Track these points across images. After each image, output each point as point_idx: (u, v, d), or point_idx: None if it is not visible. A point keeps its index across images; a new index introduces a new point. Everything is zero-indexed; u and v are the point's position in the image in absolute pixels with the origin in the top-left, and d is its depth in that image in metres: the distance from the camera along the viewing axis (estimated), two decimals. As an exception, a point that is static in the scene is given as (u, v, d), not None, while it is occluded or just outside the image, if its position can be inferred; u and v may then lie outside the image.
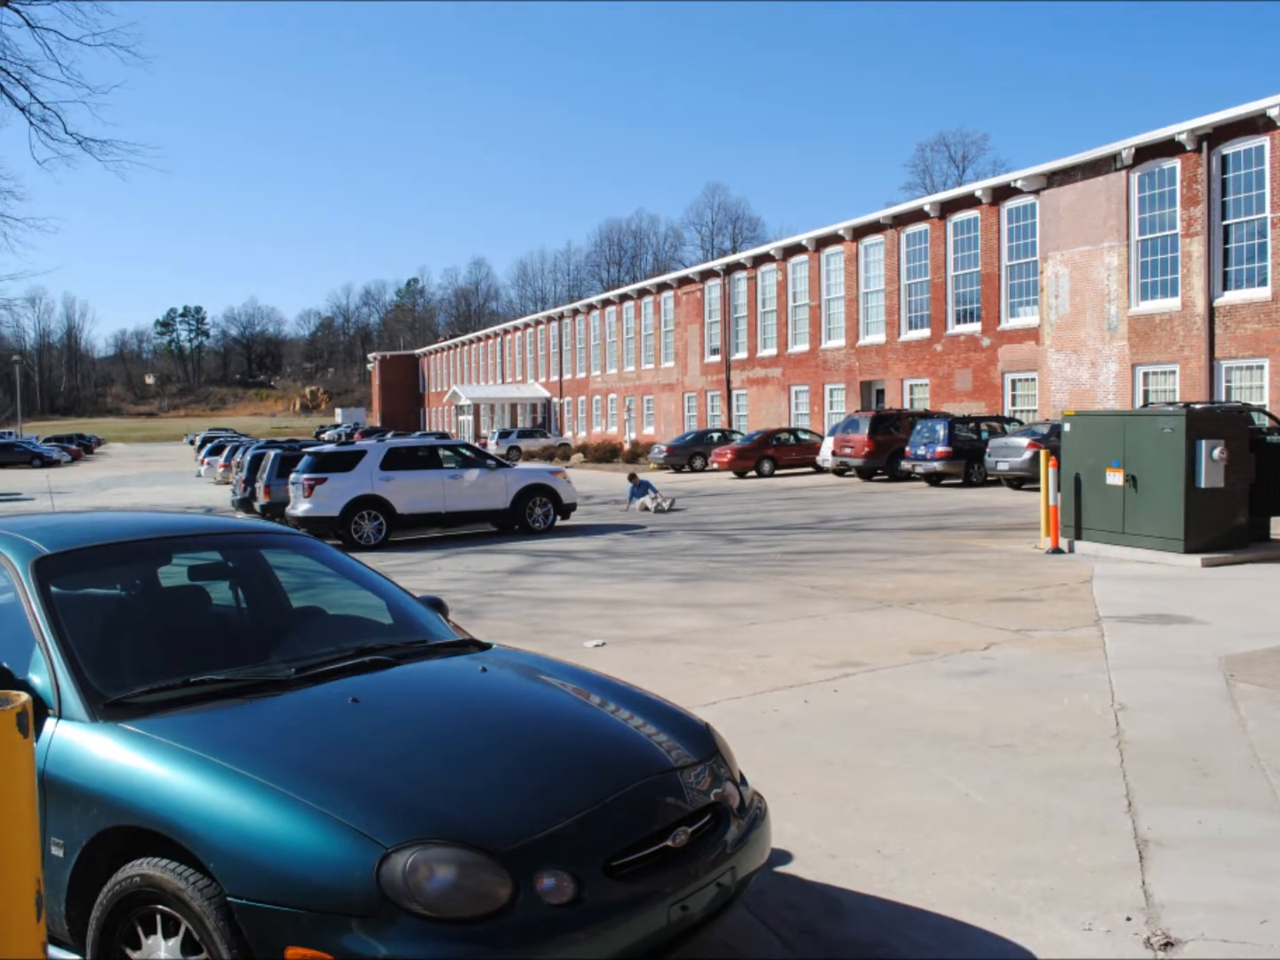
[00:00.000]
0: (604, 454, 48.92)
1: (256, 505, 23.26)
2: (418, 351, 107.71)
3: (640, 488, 24.85)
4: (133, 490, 38.19)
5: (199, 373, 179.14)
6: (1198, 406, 21.06)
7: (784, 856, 4.87)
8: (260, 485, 22.93)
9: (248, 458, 25.84)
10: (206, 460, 44.93)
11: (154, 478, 47.38)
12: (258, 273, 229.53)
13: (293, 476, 19.47)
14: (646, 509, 24.01)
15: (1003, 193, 33.87)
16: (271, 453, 23.58)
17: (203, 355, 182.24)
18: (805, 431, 38.33)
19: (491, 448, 53.16)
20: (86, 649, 3.91)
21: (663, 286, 56.63)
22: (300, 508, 18.69)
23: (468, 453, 20.50)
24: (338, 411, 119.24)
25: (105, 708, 3.64)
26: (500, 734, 3.72)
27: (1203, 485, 13.35)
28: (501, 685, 4.24)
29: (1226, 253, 27.03)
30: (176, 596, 4.81)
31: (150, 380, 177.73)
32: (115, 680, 3.84)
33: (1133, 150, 28.94)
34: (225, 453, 40.48)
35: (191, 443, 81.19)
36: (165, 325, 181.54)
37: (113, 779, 3.36)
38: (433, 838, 3.04)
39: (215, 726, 3.56)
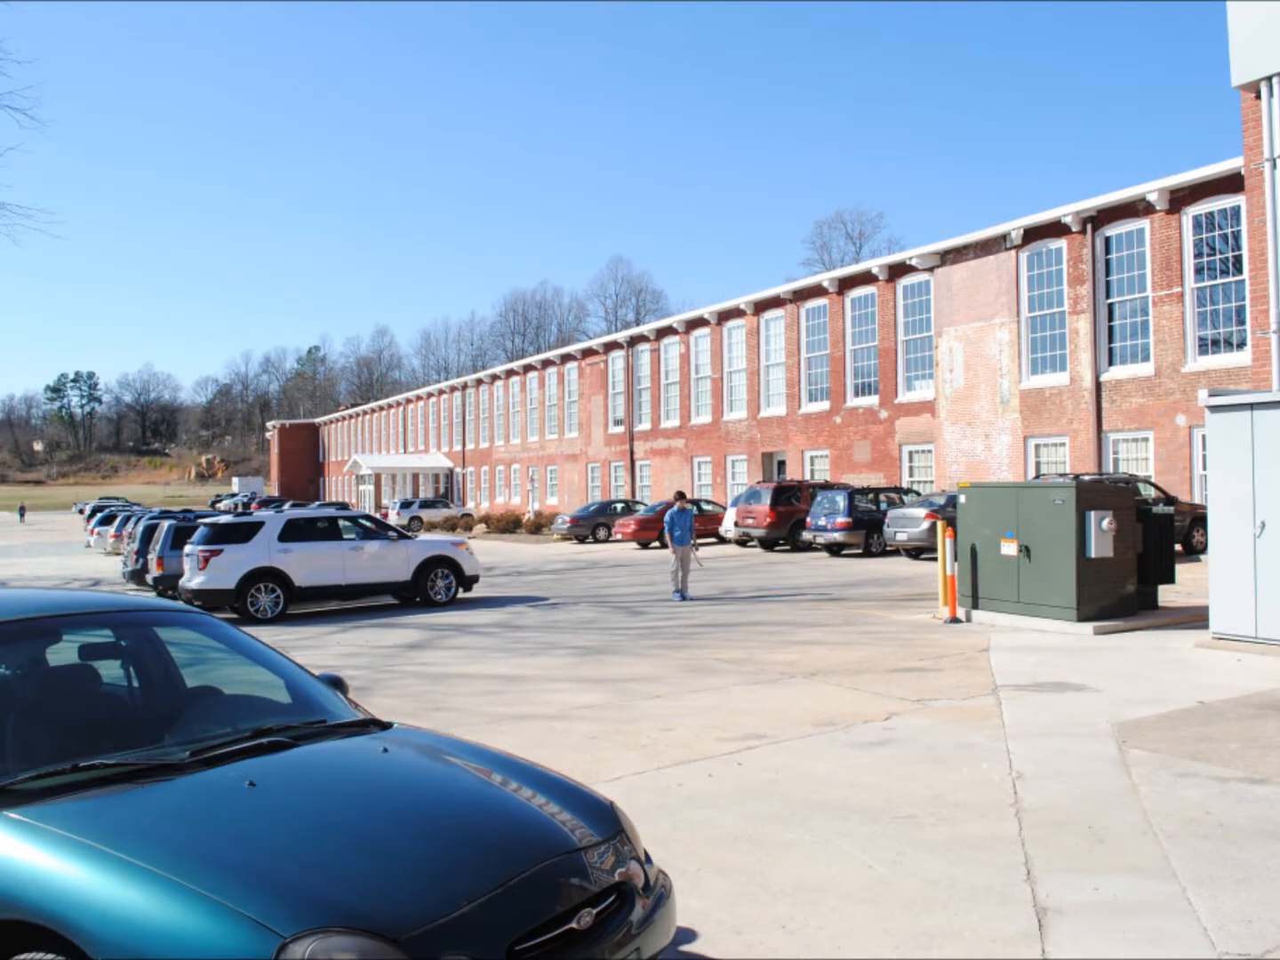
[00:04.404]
0: (507, 525, 48.68)
1: (149, 578, 22.63)
2: (318, 420, 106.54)
3: (683, 517, 20.02)
4: (17, 561, 36.93)
5: (90, 440, 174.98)
6: (1087, 478, 21.74)
7: (689, 934, 4.83)
8: (153, 557, 22.33)
9: (140, 528, 25.13)
10: (97, 530, 43.76)
11: (40, 548, 45.92)
12: (154, 338, 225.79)
13: (187, 548, 19.02)
14: (683, 568, 19.43)
15: (898, 270, 34.84)
16: (165, 523, 22.99)
17: (94, 421, 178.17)
18: (708, 502, 38.59)
19: (393, 518, 52.59)
20: (-31, 734, 3.76)
21: (567, 357, 56.95)
22: (195, 580, 18.25)
23: (368, 524, 20.25)
24: (235, 480, 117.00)
25: (-12, 795, 3.50)
26: (402, 816, 3.65)
27: (1093, 555, 13.74)
28: (403, 766, 4.17)
29: (1111, 330, 28.11)
30: (65, 677, 4.65)
31: (39, 447, 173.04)
32: (0, 765, 3.70)
33: (1021, 230, 30.06)
34: (116, 522, 39.51)
35: (81, 512, 78.92)
36: (56, 390, 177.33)
37: (-5, 870, 3.22)
38: (332, 926, 2.96)
39: (105, 813, 3.44)
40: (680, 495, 20.90)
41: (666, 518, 20.32)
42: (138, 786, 3.65)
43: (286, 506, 49.05)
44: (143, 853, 3.15)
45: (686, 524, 19.86)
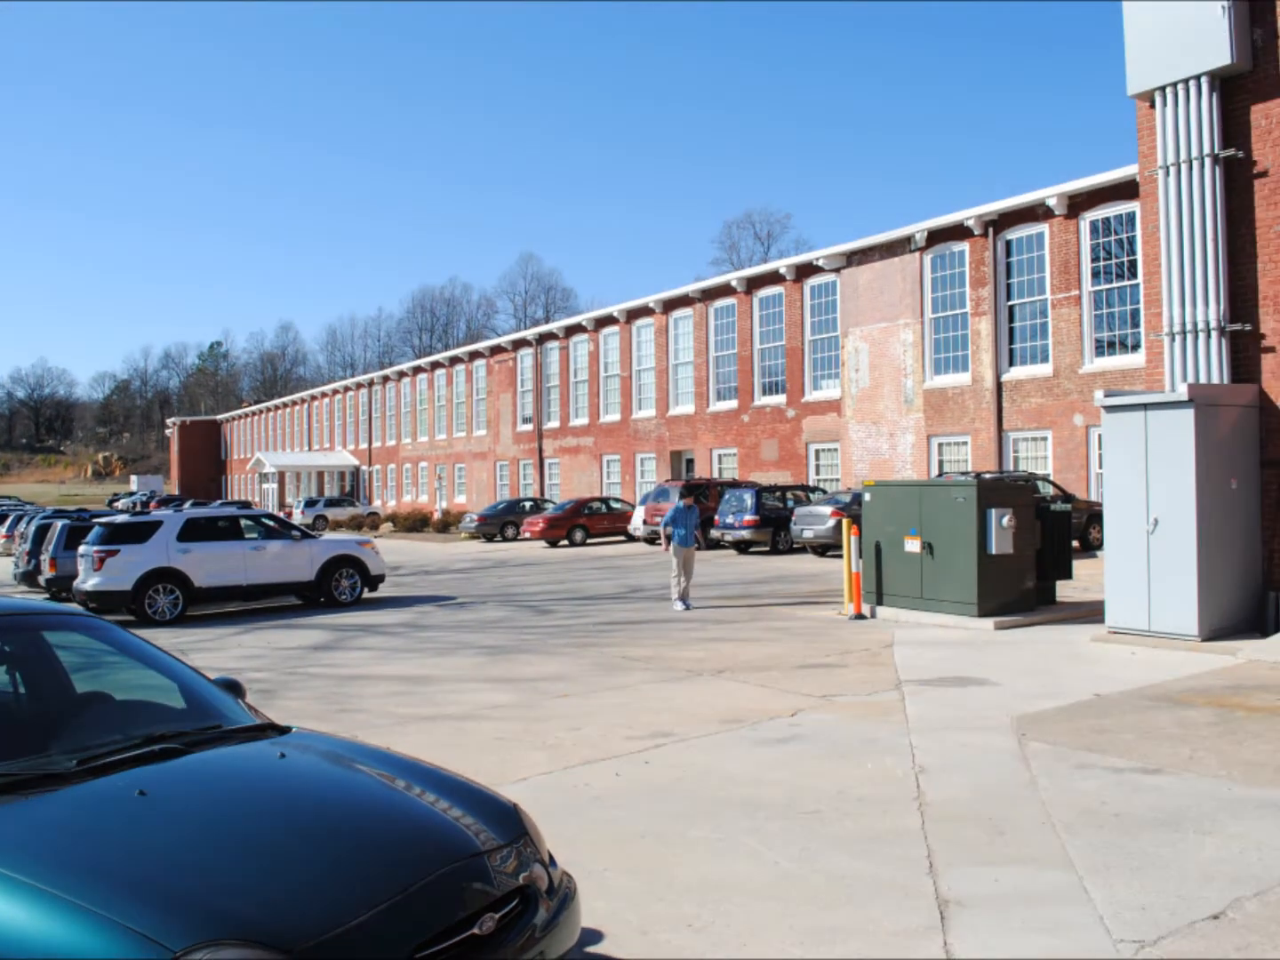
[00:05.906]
0: (414, 523, 48.22)
1: (41, 579, 21.98)
2: (220, 417, 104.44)
3: (688, 515, 17.12)
4: (-98, 563, 35.59)
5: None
6: (987, 476, 22.18)
7: (595, 935, 4.80)
8: (46, 558, 21.68)
9: (32, 528, 24.40)
10: (-14, 531, 42.41)
11: (-73, 550, 44.30)
12: (48, 332, 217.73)
13: (82, 548, 18.49)
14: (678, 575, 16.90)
15: (805, 270, 35.19)
16: (59, 522, 22.35)
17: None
18: (617, 500, 38.63)
19: (297, 517, 51.78)
20: None
21: (475, 354, 56.57)
22: (90, 581, 17.76)
23: (271, 523, 19.90)
24: (133, 479, 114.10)
25: None
26: (299, 824, 3.57)
27: (994, 551, 14.01)
28: (301, 772, 4.08)
29: (1012, 331, 28.72)
30: (-57, 684, 4.47)
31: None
32: None
33: (925, 233, 30.55)
34: (8, 522, 38.35)
35: (-30, 512, 76.37)
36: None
37: None
38: (225, 939, 2.87)
39: (-17, 826, 3.30)
40: (687, 490, 17.26)
41: (667, 515, 17.39)
42: (19, 798, 3.51)
43: (186, 505, 48.05)
44: (24, 867, 3.03)
45: (692, 523, 17.13)
